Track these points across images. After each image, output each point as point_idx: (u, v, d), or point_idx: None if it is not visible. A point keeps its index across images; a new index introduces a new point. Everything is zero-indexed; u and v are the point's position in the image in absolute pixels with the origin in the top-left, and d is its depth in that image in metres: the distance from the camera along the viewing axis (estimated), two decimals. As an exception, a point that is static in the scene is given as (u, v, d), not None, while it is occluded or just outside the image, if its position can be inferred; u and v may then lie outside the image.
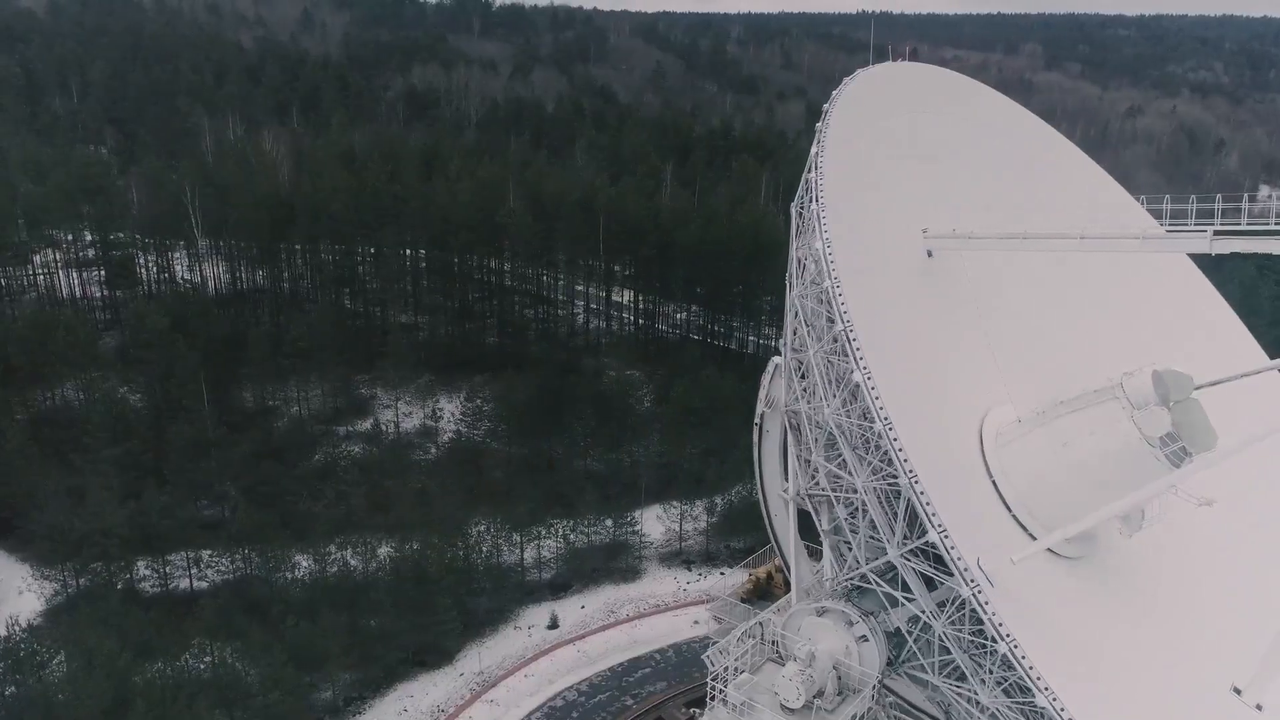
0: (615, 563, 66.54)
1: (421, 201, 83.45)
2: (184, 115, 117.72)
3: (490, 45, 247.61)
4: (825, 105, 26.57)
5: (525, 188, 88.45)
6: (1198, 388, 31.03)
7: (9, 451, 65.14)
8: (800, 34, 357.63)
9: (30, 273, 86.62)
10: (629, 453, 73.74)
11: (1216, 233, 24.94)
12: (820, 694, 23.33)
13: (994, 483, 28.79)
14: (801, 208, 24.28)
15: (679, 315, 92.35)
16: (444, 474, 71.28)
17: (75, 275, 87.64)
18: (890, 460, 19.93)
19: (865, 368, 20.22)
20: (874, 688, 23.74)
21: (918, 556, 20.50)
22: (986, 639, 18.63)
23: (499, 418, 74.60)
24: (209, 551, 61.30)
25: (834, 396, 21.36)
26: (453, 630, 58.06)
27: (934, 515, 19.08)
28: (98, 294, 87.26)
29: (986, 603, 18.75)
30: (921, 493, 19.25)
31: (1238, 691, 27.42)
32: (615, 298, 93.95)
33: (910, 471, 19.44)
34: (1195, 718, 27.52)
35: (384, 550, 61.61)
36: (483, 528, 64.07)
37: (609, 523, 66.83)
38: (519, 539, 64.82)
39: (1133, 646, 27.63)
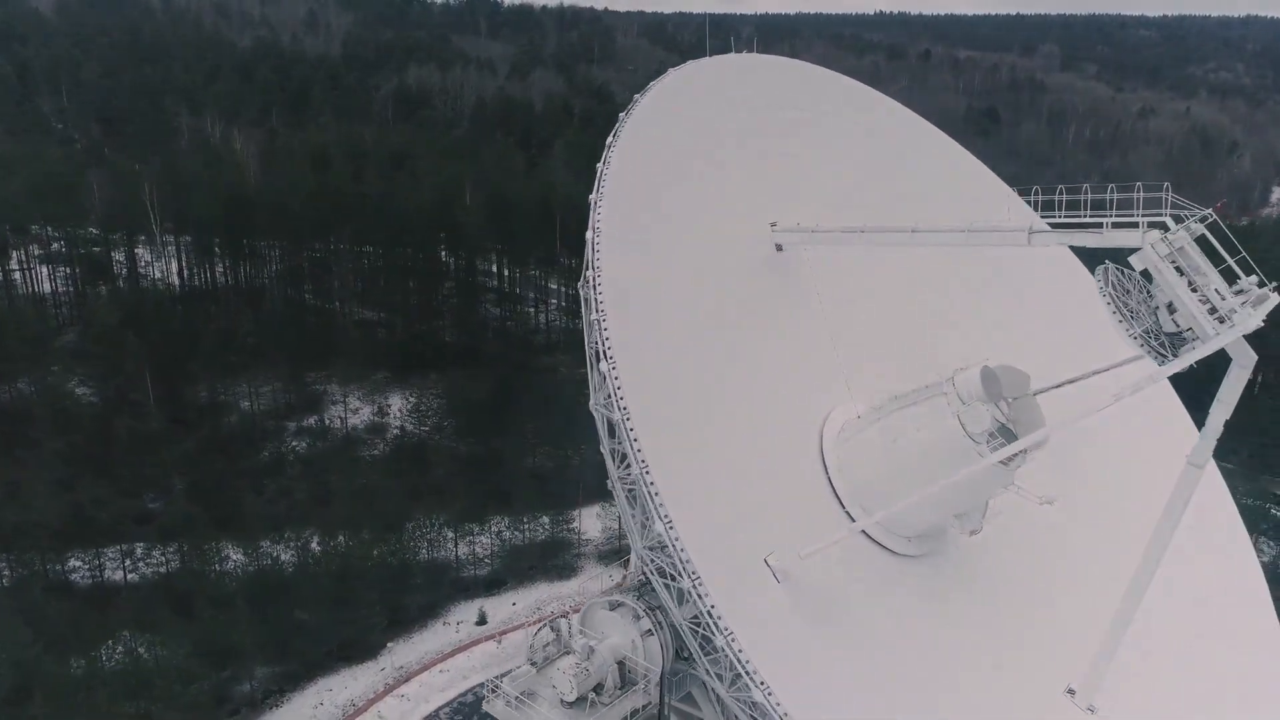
0: (552, 560, 66.48)
1: (382, 200, 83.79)
2: (169, 114, 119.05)
3: (496, 45, 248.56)
4: (636, 95, 26.32)
5: (487, 186, 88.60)
6: (1040, 391, 30.68)
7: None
8: (810, 35, 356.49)
9: (7, 269, 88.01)
10: (576, 452, 73.64)
11: (1033, 231, 24.48)
12: (599, 688, 23.08)
13: (829, 479, 28.60)
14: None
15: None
16: (388, 471, 71.49)
17: (47, 271, 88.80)
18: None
19: (611, 358, 19.94)
20: (657, 684, 23.45)
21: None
22: (715, 632, 18.33)
23: (445, 414, 74.77)
24: (142, 545, 61.85)
25: (598, 389, 21.15)
26: (377, 625, 58.27)
27: (661, 506, 18.80)
28: (65, 289, 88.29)
29: (706, 594, 18.45)
30: (651, 483, 18.97)
31: (1071, 693, 26.96)
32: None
33: (642, 462, 19.18)
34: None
35: (315, 545, 61.88)
36: (414, 524, 64.17)
37: (545, 520, 66.79)
38: (454, 536, 64.91)
39: (965, 646, 27.26)
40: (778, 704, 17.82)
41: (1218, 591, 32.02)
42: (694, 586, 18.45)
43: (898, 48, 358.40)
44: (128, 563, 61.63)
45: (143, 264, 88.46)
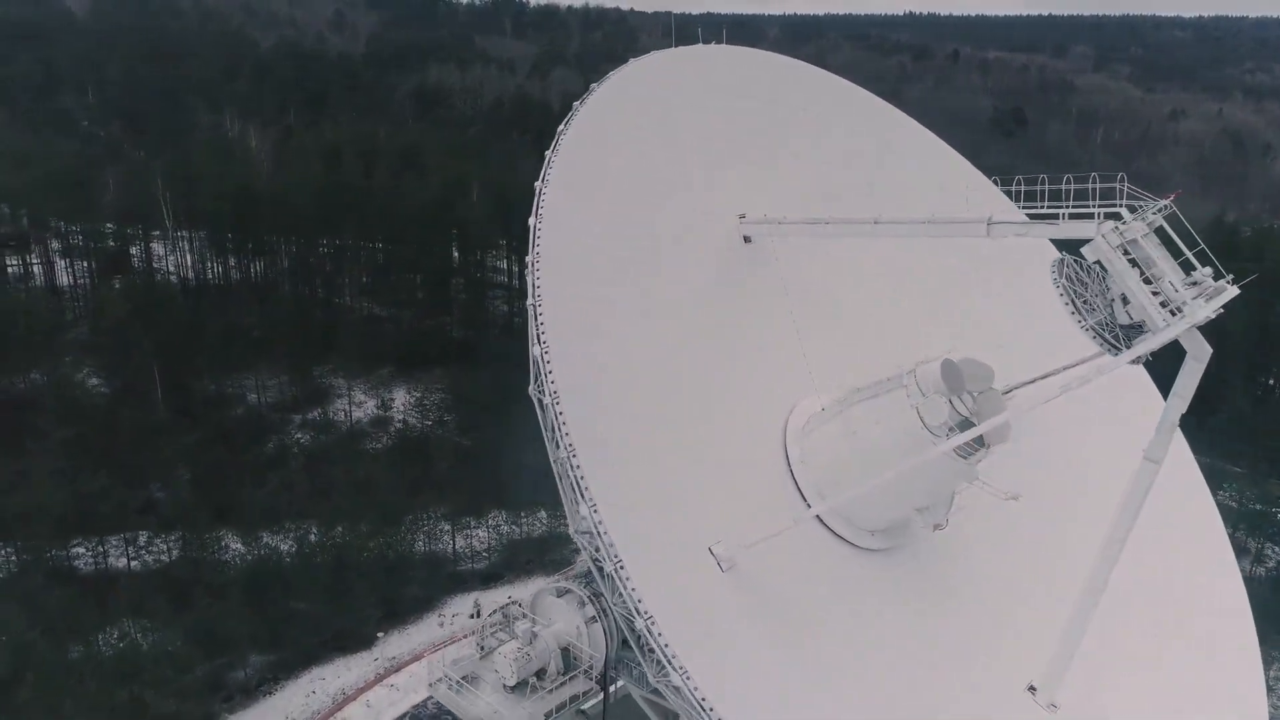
0: (550, 554, 66.52)
1: (389, 196, 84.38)
2: (188, 111, 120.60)
3: (519, 45, 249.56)
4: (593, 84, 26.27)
5: (492, 184, 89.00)
6: (1010, 390, 30.29)
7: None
8: (837, 36, 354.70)
9: (27, 261, 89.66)
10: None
11: (992, 222, 24.20)
12: (542, 673, 23.09)
13: (791, 471, 28.43)
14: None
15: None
16: (390, 464, 71.90)
17: (63, 264, 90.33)
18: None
19: (545, 342, 19.90)
20: (602, 671, 23.41)
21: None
22: (635, 615, 18.22)
23: (447, 409, 75.13)
24: (145, 534, 62.65)
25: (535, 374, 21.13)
26: (372, 617, 58.65)
27: (586, 490, 18.72)
28: (81, 283, 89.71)
29: (628, 579, 18.33)
30: (577, 466, 18.90)
31: (1032, 690, 26.63)
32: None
33: (569, 445, 19.12)
34: (989, 716, 26.81)
35: (313, 537, 62.36)
36: (412, 518, 64.54)
37: (543, 515, 66.92)
38: (450, 529, 65.19)
39: (921, 641, 26.98)
40: (695, 688, 17.69)
41: (1192, 591, 31.51)
42: (616, 570, 18.35)
43: (925, 48, 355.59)
44: (130, 550, 62.43)
45: (156, 259, 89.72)
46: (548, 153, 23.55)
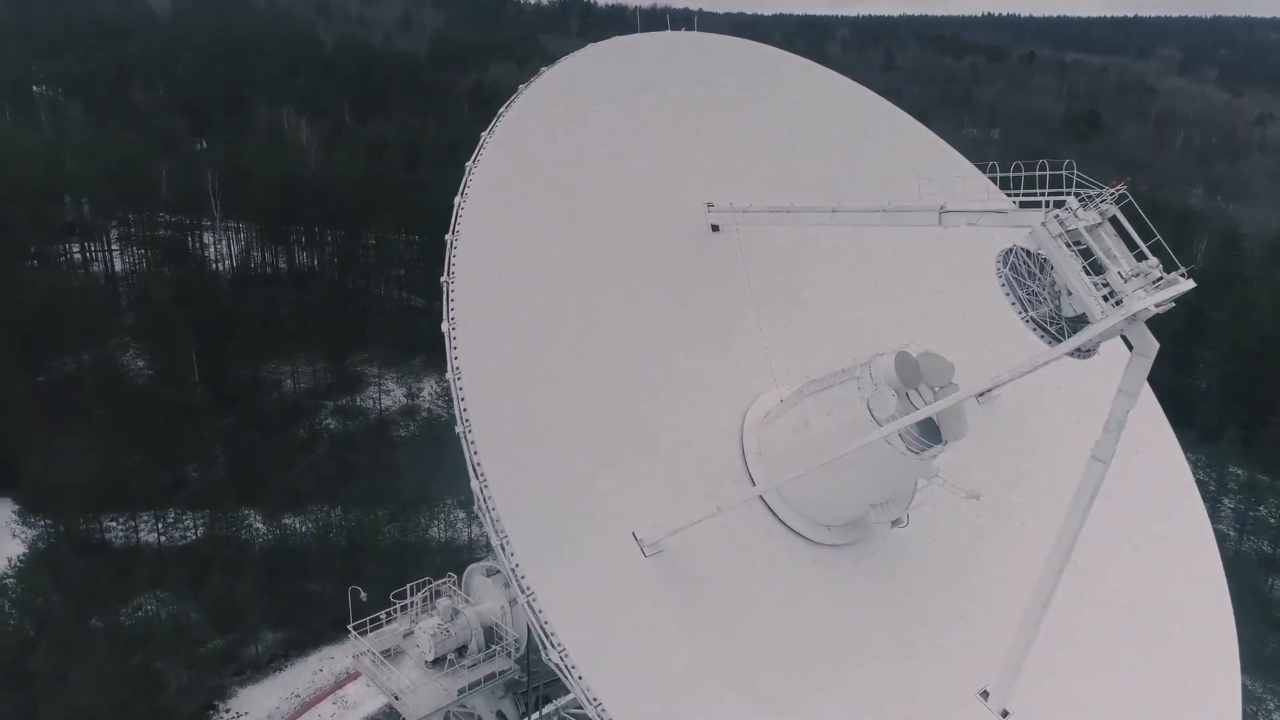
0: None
1: (427, 189, 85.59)
2: (250, 106, 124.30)
3: (582, 45, 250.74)
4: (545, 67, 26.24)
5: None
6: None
7: (17, 409, 70.40)
8: (908, 37, 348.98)
9: (86, 248, 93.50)
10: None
11: (944, 210, 23.68)
12: (463, 650, 23.19)
13: (745, 462, 28.12)
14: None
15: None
16: (414, 452, 72.98)
17: (118, 251, 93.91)
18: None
19: (452, 319, 19.95)
20: (524, 651, 23.45)
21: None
22: (520, 591, 18.16)
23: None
24: (174, 511, 64.68)
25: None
26: (382, 599, 59.48)
27: (479, 467, 18.71)
28: (136, 269, 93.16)
29: (512, 554, 18.26)
30: (472, 442, 18.90)
31: (985, 695, 25.91)
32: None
33: (466, 421, 19.13)
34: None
35: (334, 519, 63.67)
36: (430, 505, 65.46)
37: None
38: (465, 517, 65.87)
39: (862, 638, 26.40)
40: (572, 666, 17.53)
41: (1170, 594, 30.19)
42: (501, 545, 18.33)
43: (999, 49, 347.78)
44: (160, 526, 64.56)
45: (206, 248, 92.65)
46: (483, 134, 23.61)
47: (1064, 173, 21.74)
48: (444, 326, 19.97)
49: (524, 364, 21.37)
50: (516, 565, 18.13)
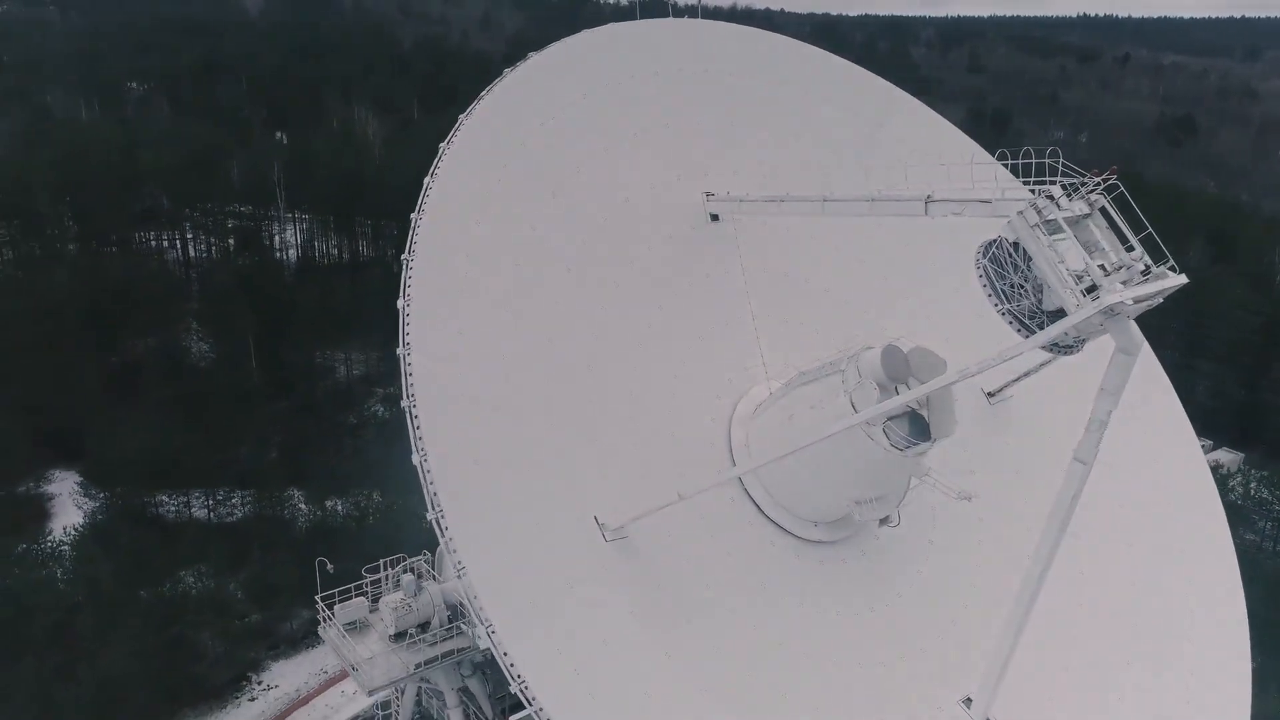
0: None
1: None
2: (325, 102, 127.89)
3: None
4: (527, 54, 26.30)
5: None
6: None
7: (89, 387, 73.81)
8: (996, 37, 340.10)
9: (159, 236, 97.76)
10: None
11: (930, 200, 23.28)
12: (426, 626, 23.40)
13: (731, 455, 27.94)
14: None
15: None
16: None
17: (193, 239, 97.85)
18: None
19: (408, 300, 20.13)
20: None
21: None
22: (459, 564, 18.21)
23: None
24: (224, 490, 66.91)
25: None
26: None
27: (421, 442, 18.82)
28: (208, 257, 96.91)
29: (446, 527, 18.30)
30: (416, 417, 19.01)
31: (968, 703, 25.24)
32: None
33: (411, 397, 19.27)
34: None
35: (373, 503, 64.96)
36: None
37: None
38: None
39: (834, 638, 25.89)
40: (500, 642, 17.49)
41: (1183, 610, 28.87)
42: (437, 519, 18.42)
43: (1092, 50, 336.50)
44: (210, 502, 66.83)
45: (273, 238, 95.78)
46: (461, 115, 23.78)
47: (1047, 161, 21.00)
48: (399, 303, 20.18)
49: (479, 342, 21.39)
50: (451, 539, 18.22)
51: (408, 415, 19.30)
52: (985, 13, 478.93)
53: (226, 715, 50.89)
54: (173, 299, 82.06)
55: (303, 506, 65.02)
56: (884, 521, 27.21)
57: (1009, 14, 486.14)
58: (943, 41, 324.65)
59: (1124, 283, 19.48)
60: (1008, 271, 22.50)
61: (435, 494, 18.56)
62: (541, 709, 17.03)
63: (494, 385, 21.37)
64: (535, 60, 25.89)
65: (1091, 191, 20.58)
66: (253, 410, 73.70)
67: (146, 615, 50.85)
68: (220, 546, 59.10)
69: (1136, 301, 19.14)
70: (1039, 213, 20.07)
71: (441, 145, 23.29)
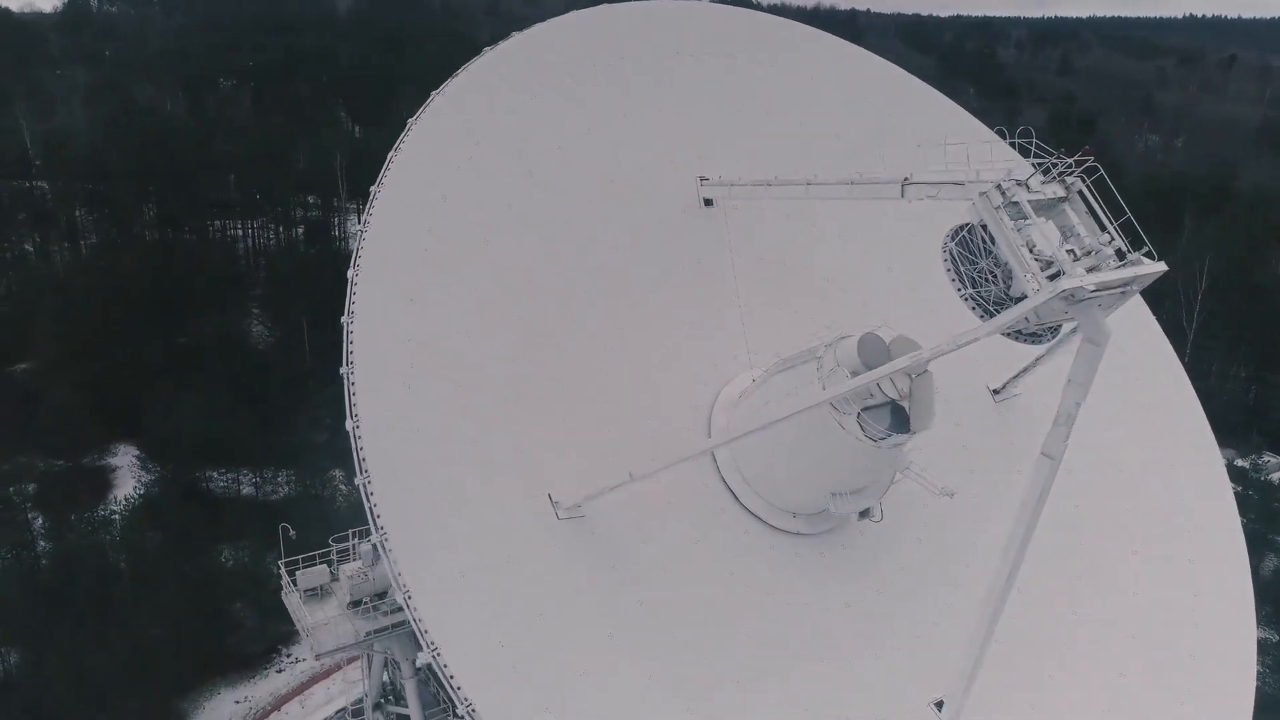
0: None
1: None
2: (399, 97, 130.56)
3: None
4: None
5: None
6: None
7: (153, 366, 76.94)
8: (1091, 38, 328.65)
9: (230, 224, 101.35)
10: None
11: (907, 182, 22.62)
12: (383, 596, 23.51)
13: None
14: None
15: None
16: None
17: (259, 227, 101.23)
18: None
19: (357, 270, 20.19)
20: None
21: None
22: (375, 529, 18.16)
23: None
24: (271, 469, 68.92)
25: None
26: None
27: (355, 406, 18.82)
28: (275, 244, 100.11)
29: (372, 494, 18.25)
30: (353, 382, 19.03)
31: (939, 706, 24.44)
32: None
33: (349, 370, 19.29)
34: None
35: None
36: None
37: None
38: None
39: (802, 632, 25.22)
40: (415, 609, 17.36)
41: (1188, 621, 27.32)
42: (364, 484, 18.41)
43: (1195, 52, 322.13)
44: (257, 480, 68.88)
45: (335, 226, 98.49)
46: (433, 92, 23.79)
47: (1018, 141, 20.17)
48: (349, 273, 20.28)
49: (427, 311, 21.24)
50: (375, 505, 18.20)
51: (345, 382, 19.37)
52: (1084, 13, 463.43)
53: (254, 685, 52.34)
54: (238, 285, 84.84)
55: (342, 487, 66.42)
56: (866, 515, 26.40)
57: (1109, 14, 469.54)
58: (1034, 42, 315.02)
59: (1091, 269, 18.44)
60: (979, 256, 21.63)
61: (364, 460, 18.58)
62: (453, 676, 16.88)
63: (450, 360, 21.24)
64: (517, 38, 25.76)
65: (1065, 174, 19.66)
66: (306, 393, 75.69)
67: (185, 586, 52.58)
68: (258, 524, 60.73)
69: (1100, 287, 18.07)
70: (1004, 194, 19.19)
71: (410, 120, 23.32)
